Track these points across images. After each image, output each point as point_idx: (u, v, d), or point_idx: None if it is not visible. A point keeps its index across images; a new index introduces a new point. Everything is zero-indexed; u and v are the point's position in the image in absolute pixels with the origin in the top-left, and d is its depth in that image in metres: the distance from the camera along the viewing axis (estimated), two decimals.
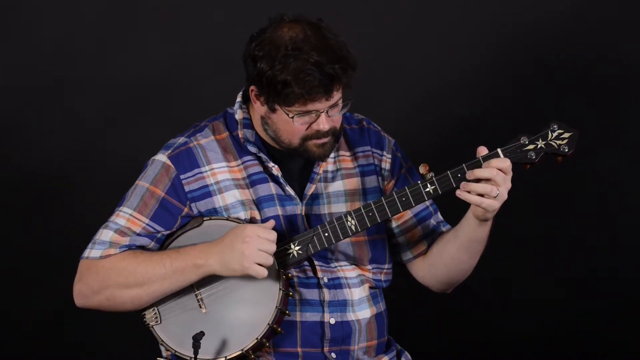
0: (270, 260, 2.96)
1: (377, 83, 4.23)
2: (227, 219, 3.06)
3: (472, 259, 3.13)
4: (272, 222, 3.02)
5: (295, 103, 2.96)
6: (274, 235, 2.98)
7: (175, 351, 3.03)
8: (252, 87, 3.03)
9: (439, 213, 3.24)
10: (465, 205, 3.01)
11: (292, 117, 2.98)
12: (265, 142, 3.13)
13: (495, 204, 2.94)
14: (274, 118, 3.03)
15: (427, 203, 3.21)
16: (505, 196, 2.94)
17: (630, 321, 4.42)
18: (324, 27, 2.99)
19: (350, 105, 3.04)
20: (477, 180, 2.95)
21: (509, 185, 2.95)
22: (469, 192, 2.95)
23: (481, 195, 2.94)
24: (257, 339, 2.98)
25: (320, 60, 2.92)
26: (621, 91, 4.38)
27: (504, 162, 2.94)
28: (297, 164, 3.14)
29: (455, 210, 3.17)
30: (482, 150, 2.98)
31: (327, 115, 3.00)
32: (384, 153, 3.21)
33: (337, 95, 2.99)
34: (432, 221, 3.21)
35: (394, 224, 3.20)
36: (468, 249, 3.10)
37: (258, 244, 2.95)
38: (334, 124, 3.03)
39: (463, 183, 2.95)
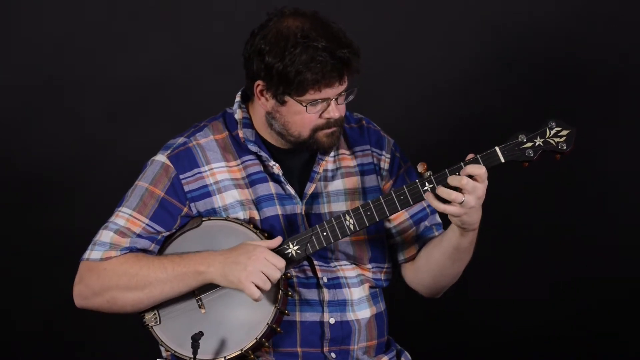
0: (267, 286, 2.95)
1: (377, 82, 4.23)
2: (225, 219, 3.06)
3: (456, 267, 3.13)
4: (279, 239, 3.01)
5: (308, 90, 2.97)
6: (282, 263, 2.97)
7: (175, 352, 3.03)
8: (257, 83, 3.03)
9: (436, 215, 3.23)
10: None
11: (306, 106, 2.98)
12: (266, 141, 3.13)
13: (458, 211, 2.93)
14: (283, 111, 3.03)
15: (424, 204, 3.20)
16: (472, 204, 2.93)
17: (630, 321, 4.41)
18: (323, 17, 3.02)
19: (356, 93, 3.05)
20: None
21: (479, 194, 2.93)
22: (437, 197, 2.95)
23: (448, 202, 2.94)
24: (256, 338, 2.97)
25: (330, 45, 2.95)
26: (621, 91, 4.38)
27: (480, 169, 2.93)
28: (297, 163, 3.15)
29: None
30: (471, 156, 2.96)
31: (336, 103, 3.01)
32: (383, 153, 3.21)
33: (346, 84, 3.01)
34: (426, 223, 3.20)
35: (390, 225, 3.20)
36: (451, 256, 3.09)
37: (262, 266, 2.95)
38: (341, 113, 3.05)
39: (438, 188, 2.95)
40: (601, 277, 4.42)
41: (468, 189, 2.92)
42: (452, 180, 2.93)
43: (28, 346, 4.45)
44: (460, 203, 2.92)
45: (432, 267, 3.14)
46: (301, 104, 2.99)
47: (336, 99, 3.02)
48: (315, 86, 2.96)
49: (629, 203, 4.40)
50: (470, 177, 2.93)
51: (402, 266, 3.22)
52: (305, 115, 3.01)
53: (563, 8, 4.36)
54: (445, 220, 3.17)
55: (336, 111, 3.02)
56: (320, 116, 3.02)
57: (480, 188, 2.93)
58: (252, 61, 3.01)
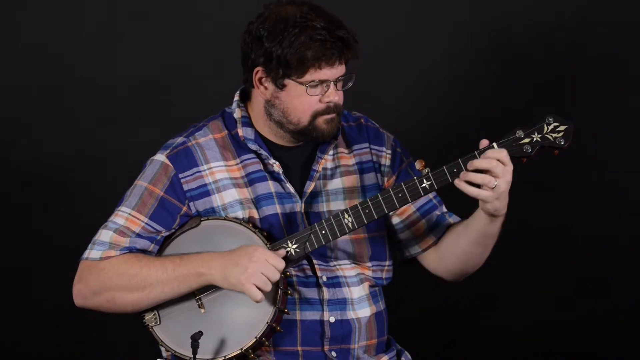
0: (268, 287, 2.95)
1: (376, 81, 4.24)
2: (224, 219, 3.05)
3: (484, 253, 3.12)
4: (282, 253, 3.02)
5: (309, 69, 2.98)
6: (282, 265, 2.97)
7: (175, 351, 3.03)
8: (256, 70, 3.03)
9: (443, 206, 3.23)
10: (469, 200, 3.00)
11: (306, 87, 2.99)
12: (265, 139, 3.13)
13: (491, 196, 2.93)
14: (282, 97, 3.04)
15: (430, 196, 3.20)
16: (503, 188, 2.93)
17: (630, 322, 4.41)
18: (321, 6, 3.04)
19: (354, 80, 3.06)
20: (477, 172, 2.94)
21: (508, 178, 2.93)
22: (467, 182, 2.94)
23: (479, 186, 2.93)
24: (256, 337, 2.97)
25: (329, 26, 2.97)
26: (621, 89, 4.38)
27: (500, 153, 2.93)
28: (297, 161, 3.15)
29: (457, 205, 3.17)
30: (484, 143, 2.97)
31: (335, 88, 3.02)
32: (384, 149, 3.21)
33: (344, 68, 3.02)
34: (437, 212, 3.20)
35: (397, 220, 3.20)
36: (480, 243, 3.09)
37: (263, 267, 2.94)
38: (340, 99, 3.05)
39: (462, 173, 2.94)
40: (601, 277, 4.42)
41: (498, 173, 2.92)
42: (480, 163, 2.92)
43: (28, 346, 4.45)
44: (493, 187, 2.92)
45: (458, 254, 3.14)
46: (302, 85, 3.00)
47: (335, 84, 3.02)
48: (316, 64, 2.97)
49: (630, 203, 4.40)
50: None
51: (420, 257, 3.21)
52: (305, 98, 3.01)
53: (562, 8, 4.36)
54: (466, 208, 3.18)
55: (335, 95, 3.02)
56: (320, 101, 3.03)
57: (509, 171, 2.93)
58: (251, 49, 3.03)
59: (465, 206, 3.09)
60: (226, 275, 2.97)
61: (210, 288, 3.03)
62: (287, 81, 3.01)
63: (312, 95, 3.02)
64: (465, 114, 4.40)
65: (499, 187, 2.93)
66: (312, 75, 2.99)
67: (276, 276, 2.95)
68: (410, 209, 3.19)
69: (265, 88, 3.06)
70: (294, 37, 2.96)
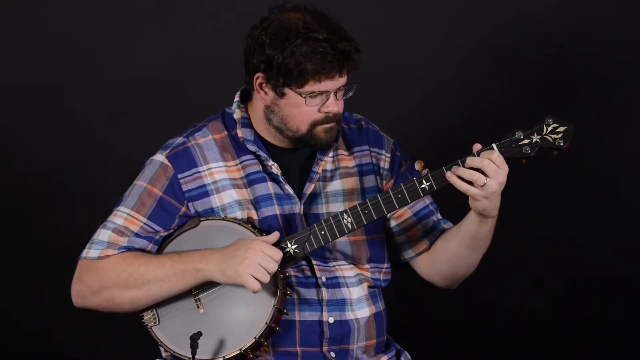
0: (266, 278, 2.94)
1: (376, 82, 4.23)
2: (224, 219, 3.05)
3: (474, 255, 3.12)
4: (276, 235, 3.02)
5: (308, 81, 2.97)
6: (278, 255, 2.97)
7: (174, 352, 3.03)
8: (257, 75, 3.03)
9: (438, 213, 3.23)
10: (465, 203, 3.00)
11: (305, 98, 2.99)
12: (265, 140, 3.13)
13: (480, 194, 2.93)
14: (282, 104, 3.03)
15: (427, 202, 3.21)
16: (493, 188, 2.93)
17: (630, 323, 4.41)
18: (325, 12, 3.03)
19: (355, 90, 3.05)
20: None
21: (501, 179, 2.93)
22: (459, 177, 2.94)
23: (470, 183, 2.94)
24: (255, 338, 2.97)
25: (332, 37, 2.96)
26: (621, 90, 4.38)
27: (492, 153, 2.93)
28: (296, 163, 3.15)
29: (454, 209, 3.17)
30: (478, 147, 2.98)
31: (335, 97, 3.02)
32: (383, 152, 3.21)
33: (345, 78, 3.02)
34: (433, 218, 3.21)
35: (393, 223, 3.20)
36: (470, 245, 3.09)
37: (260, 259, 2.94)
38: (339, 109, 3.05)
39: (454, 167, 2.95)
40: (603, 277, 4.41)
41: (489, 172, 2.92)
42: (472, 161, 2.93)
43: (28, 346, 4.46)
44: (482, 186, 2.92)
45: (449, 257, 3.13)
46: (301, 95, 2.99)
47: (335, 94, 3.01)
48: (316, 77, 2.96)
49: (628, 203, 4.40)
50: None
51: (413, 262, 3.21)
52: (304, 108, 3.01)
53: (562, 8, 4.36)
54: (448, 216, 3.18)
55: (335, 105, 3.02)
56: (319, 110, 3.02)
57: (502, 173, 2.93)
58: (253, 54, 3.02)
59: (461, 208, 3.09)
60: (223, 268, 2.96)
61: (209, 287, 3.03)
62: (287, 90, 3.01)
63: (311, 105, 3.01)
64: (465, 115, 4.40)
65: (488, 187, 2.93)
66: (312, 86, 2.99)
67: (273, 267, 2.95)
68: (406, 213, 3.19)
69: (265, 94, 3.05)
70: (296, 48, 2.95)
